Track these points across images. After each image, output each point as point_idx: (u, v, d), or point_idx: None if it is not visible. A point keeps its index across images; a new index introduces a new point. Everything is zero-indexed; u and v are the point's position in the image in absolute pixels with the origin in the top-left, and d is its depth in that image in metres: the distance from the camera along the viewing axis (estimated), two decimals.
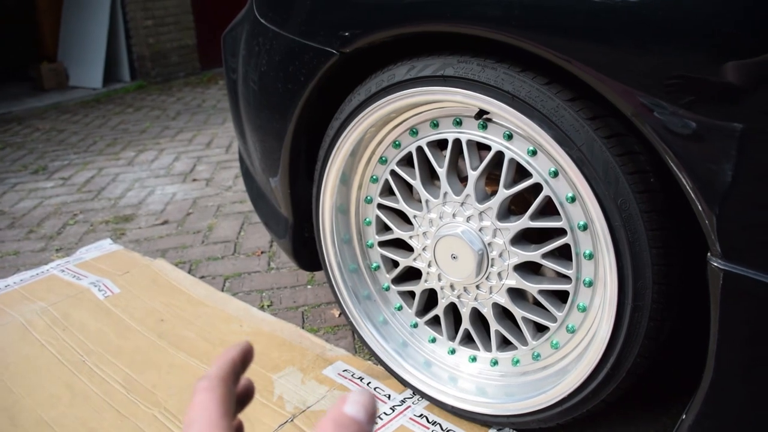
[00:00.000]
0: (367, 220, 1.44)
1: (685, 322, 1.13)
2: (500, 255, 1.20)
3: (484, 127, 1.16)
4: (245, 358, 0.48)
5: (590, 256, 1.10)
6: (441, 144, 1.26)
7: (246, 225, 2.57)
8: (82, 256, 2.28)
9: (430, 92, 1.15)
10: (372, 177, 1.39)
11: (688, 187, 0.85)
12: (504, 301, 1.24)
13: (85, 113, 4.97)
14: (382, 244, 1.44)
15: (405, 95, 1.18)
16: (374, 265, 1.48)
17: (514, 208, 1.25)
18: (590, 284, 1.12)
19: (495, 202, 1.17)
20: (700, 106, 0.80)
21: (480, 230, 1.21)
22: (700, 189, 0.83)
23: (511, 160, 1.13)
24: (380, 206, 1.39)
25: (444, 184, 1.23)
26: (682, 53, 0.80)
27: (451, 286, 1.32)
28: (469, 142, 1.19)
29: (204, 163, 3.45)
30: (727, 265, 0.84)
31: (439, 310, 1.38)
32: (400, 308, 1.48)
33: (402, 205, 1.33)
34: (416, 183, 1.28)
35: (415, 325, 1.46)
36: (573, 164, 1.00)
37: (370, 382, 1.50)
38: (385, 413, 1.40)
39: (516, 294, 1.24)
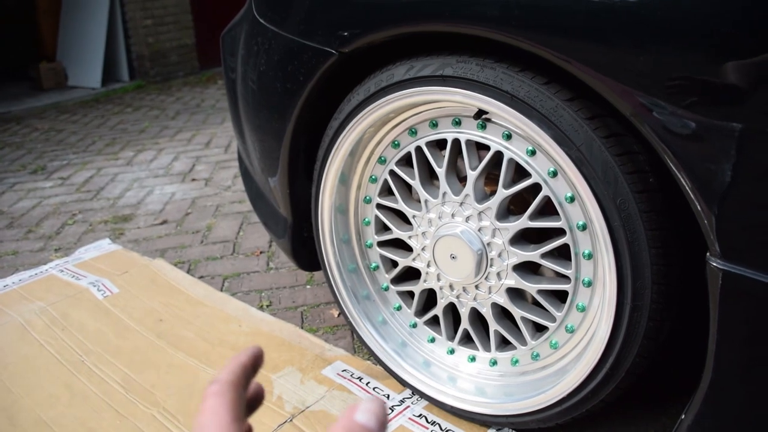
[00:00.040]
0: (366, 220, 1.44)
1: (685, 322, 1.13)
2: (499, 255, 1.20)
3: (483, 127, 1.16)
4: (255, 362, 0.48)
5: (589, 256, 1.10)
6: (440, 144, 1.26)
7: (245, 225, 2.57)
8: (81, 256, 2.27)
9: (429, 92, 1.14)
10: (371, 177, 1.39)
11: (687, 187, 0.85)
12: (503, 301, 1.24)
13: (84, 113, 4.97)
14: (381, 244, 1.44)
15: (404, 95, 1.18)
16: (373, 265, 1.48)
17: (513, 208, 1.25)
18: (589, 284, 1.12)
19: (494, 202, 1.17)
20: (699, 106, 0.80)
21: (479, 230, 1.21)
22: (699, 189, 0.83)
23: (510, 160, 1.13)
24: (379, 206, 1.39)
25: (443, 184, 1.23)
26: (681, 53, 0.80)
27: (450, 286, 1.32)
28: (468, 142, 1.19)
29: (203, 163, 3.45)
30: (726, 265, 0.84)
31: (438, 310, 1.38)
32: (399, 308, 1.48)
33: (401, 205, 1.33)
34: (415, 183, 1.28)
35: (414, 325, 1.46)
36: (572, 164, 1.00)
37: (369, 382, 1.50)
38: None
39: (515, 294, 1.24)
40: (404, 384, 1.44)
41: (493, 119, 1.14)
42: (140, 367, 1.61)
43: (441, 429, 1.35)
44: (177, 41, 6.14)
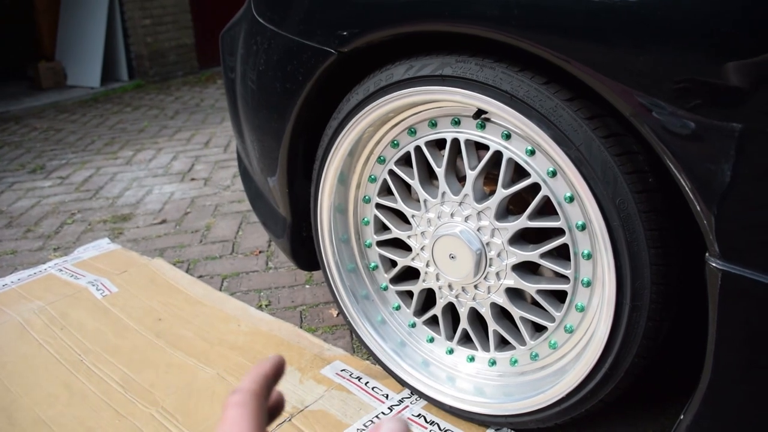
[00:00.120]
0: (366, 219, 1.44)
1: (684, 322, 1.13)
2: (498, 255, 1.20)
3: (482, 126, 1.16)
4: (277, 371, 0.48)
5: (588, 256, 1.10)
6: (439, 143, 1.25)
7: (244, 224, 2.57)
8: (80, 255, 2.27)
9: (429, 92, 1.14)
10: (370, 176, 1.39)
11: (686, 187, 0.85)
12: (502, 300, 1.24)
13: (83, 112, 4.96)
14: (380, 243, 1.43)
15: (403, 95, 1.18)
16: (372, 264, 1.48)
17: (512, 207, 1.25)
18: (588, 284, 1.12)
19: (493, 201, 1.17)
20: (699, 106, 0.80)
21: (478, 230, 1.21)
22: (698, 189, 0.83)
23: (510, 159, 1.13)
24: (378, 206, 1.39)
25: (442, 183, 1.23)
26: (681, 53, 0.80)
27: (450, 286, 1.32)
28: (468, 141, 1.19)
29: (202, 163, 3.44)
30: (726, 265, 0.84)
31: (437, 310, 1.38)
32: (398, 308, 1.48)
33: (400, 205, 1.33)
34: (414, 183, 1.28)
35: (414, 325, 1.46)
36: (571, 164, 1.00)
37: (368, 382, 1.50)
38: (383, 413, 1.40)
39: (514, 294, 1.24)
40: (403, 384, 1.44)
41: (492, 119, 1.14)
42: (139, 367, 1.61)
43: (440, 429, 1.35)
44: (176, 41, 6.14)
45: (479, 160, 1.18)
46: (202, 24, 6.29)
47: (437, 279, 1.33)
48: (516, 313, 1.23)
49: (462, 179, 1.25)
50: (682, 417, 0.99)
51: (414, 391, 1.42)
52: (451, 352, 1.40)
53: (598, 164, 0.97)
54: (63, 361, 1.65)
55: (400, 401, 1.43)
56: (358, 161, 1.37)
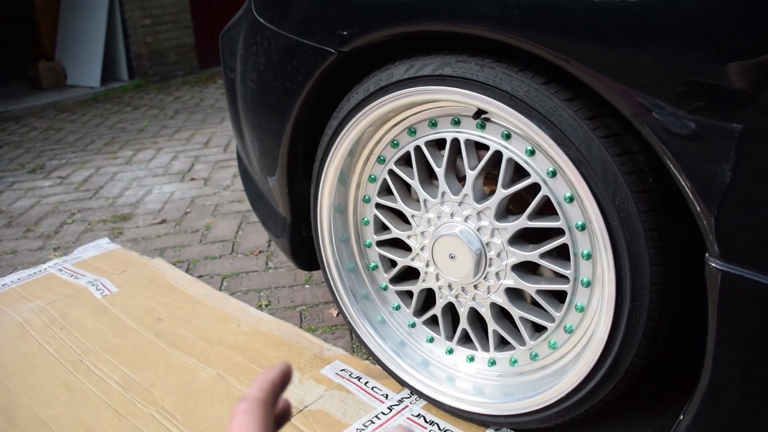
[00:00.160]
0: (365, 219, 1.44)
1: (683, 322, 1.13)
2: (498, 255, 1.20)
3: (482, 126, 1.16)
4: (284, 379, 0.48)
5: (588, 256, 1.10)
6: (439, 143, 1.25)
7: (244, 224, 2.57)
8: (80, 255, 2.27)
9: (429, 91, 1.14)
10: (370, 176, 1.39)
11: (686, 188, 0.85)
12: (502, 301, 1.24)
13: (82, 112, 4.96)
14: (380, 243, 1.43)
15: (403, 94, 1.18)
16: (372, 264, 1.48)
17: (512, 207, 1.25)
18: (588, 284, 1.12)
19: (493, 201, 1.17)
20: (699, 107, 0.80)
21: (478, 230, 1.21)
22: (698, 189, 0.83)
23: (510, 159, 1.13)
24: (378, 206, 1.39)
25: (442, 183, 1.23)
26: (681, 53, 0.80)
27: (449, 286, 1.32)
28: (468, 141, 1.19)
29: (202, 162, 3.44)
30: (725, 265, 0.84)
31: (437, 310, 1.38)
32: (398, 308, 1.48)
33: (400, 205, 1.33)
34: (414, 182, 1.28)
35: (413, 325, 1.46)
36: (571, 164, 1.00)
37: (367, 382, 1.50)
38: (382, 413, 1.40)
39: (514, 294, 1.24)
40: (403, 384, 1.44)
41: (492, 119, 1.14)
42: (139, 367, 1.61)
43: (439, 429, 1.35)
44: (176, 40, 6.14)
45: (479, 160, 1.18)
46: (202, 24, 6.29)
47: (437, 279, 1.33)
48: (516, 313, 1.23)
49: (462, 179, 1.25)
50: (681, 417, 0.99)
51: (414, 391, 1.42)
52: (450, 352, 1.40)
53: (598, 164, 0.97)
54: (63, 360, 1.65)
55: (400, 401, 1.43)
56: (358, 161, 1.37)
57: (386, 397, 1.45)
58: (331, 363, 1.58)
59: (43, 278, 2.09)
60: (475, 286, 1.27)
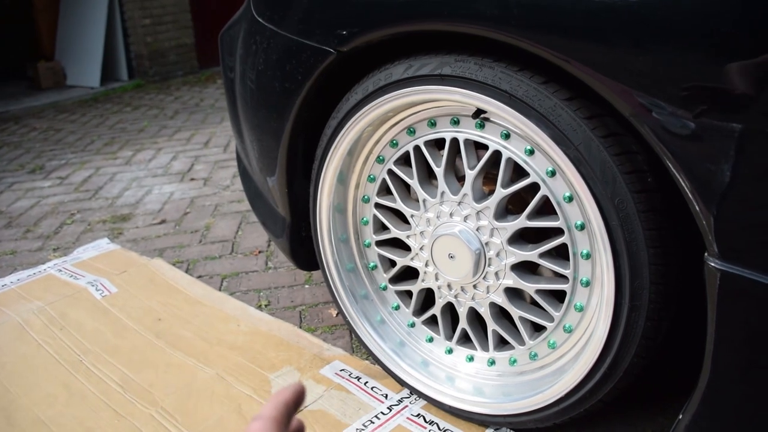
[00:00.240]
0: (365, 219, 1.44)
1: (683, 322, 1.13)
2: (497, 254, 1.20)
3: (481, 126, 1.16)
4: (298, 399, 0.48)
5: (587, 256, 1.10)
6: (438, 143, 1.25)
7: (243, 224, 2.57)
8: (80, 255, 2.27)
9: (428, 91, 1.14)
10: (369, 176, 1.39)
11: (685, 187, 0.85)
12: (501, 300, 1.24)
13: (82, 112, 4.96)
14: (379, 243, 1.43)
15: (402, 94, 1.18)
16: (371, 264, 1.48)
17: (511, 207, 1.25)
18: (587, 284, 1.12)
19: (492, 201, 1.17)
20: (698, 106, 0.80)
21: (477, 230, 1.21)
22: (697, 189, 0.83)
23: (509, 159, 1.13)
24: (377, 205, 1.39)
25: (441, 183, 1.23)
26: (681, 53, 0.80)
27: (449, 286, 1.32)
28: (467, 141, 1.19)
29: (202, 163, 3.44)
30: (724, 265, 0.84)
31: (436, 310, 1.38)
32: (397, 308, 1.48)
33: (399, 205, 1.33)
34: (413, 182, 1.28)
35: (413, 325, 1.46)
36: (570, 164, 1.00)
37: (367, 382, 1.50)
38: (382, 413, 1.40)
39: (513, 294, 1.24)
40: (402, 383, 1.44)
41: (491, 118, 1.14)
42: (138, 367, 1.61)
43: (439, 428, 1.35)
44: (176, 40, 6.14)
45: (478, 160, 1.18)
46: (202, 24, 6.29)
47: (436, 279, 1.33)
48: (515, 312, 1.23)
49: (461, 179, 1.25)
50: (680, 416, 0.99)
51: (413, 390, 1.42)
52: (450, 351, 1.40)
53: (597, 164, 0.97)
54: (62, 361, 1.65)
55: (400, 401, 1.43)
56: (357, 161, 1.37)
57: (386, 397, 1.45)
58: (330, 363, 1.58)
59: (42, 279, 2.09)
60: (475, 286, 1.27)
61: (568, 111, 0.98)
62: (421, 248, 1.33)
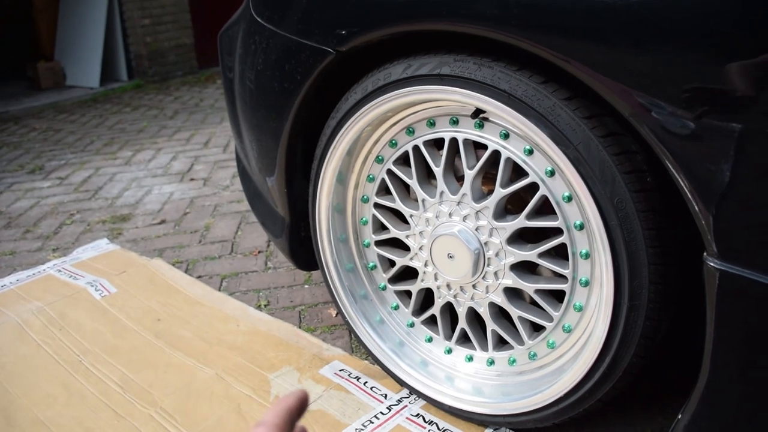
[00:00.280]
0: (364, 219, 1.44)
1: (682, 321, 1.13)
2: (497, 254, 1.20)
3: (480, 126, 1.16)
4: (301, 406, 0.48)
5: (587, 256, 1.10)
6: (438, 143, 1.25)
7: (243, 224, 2.57)
8: (79, 255, 2.27)
9: (427, 91, 1.14)
10: (368, 176, 1.39)
11: (684, 187, 0.85)
12: (500, 300, 1.24)
13: (82, 113, 4.96)
14: (378, 243, 1.43)
15: (401, 94, 1.18)
16: (371, 264, 1.48)
17: (510, 207, 1.25)
18: (587, 284, 1.12)
19: (491, 201, 1.17)
20: (698, 106, 0.80)
21: (476, 229, 1.21)
22: (696, 189, 0.83)
23: (508, 159, 1.13)
24: (377, 205, 1.39)
25: (440, 183, 1.23)
26: (681, 53, 0.80)
27: (448, 286, 1.32)
28: (466, 141, 1.19)
29: (201, 163, 3.44)
30: (723, 264, 0.84)
31: (435, 310, 1.38)
32: (396, 308, 1.48)
33: (398, 205, 1.33)
34: (413, 182, 1.28)
35: (412, 325, 1.46)
36: (569, 163, 1.00)
37: (366, 382, 1.50)
38: (381, 413, 1.40)
39: (512, 293, 1.24)
40: (402, 383, 1.44)
41: (490, 118, 1.14)
42: (138, 367, 1.61)
43: (438, 428, 1.35)
44: (175, 41, 6.14)
45: (477, 160, 1.18)
46: (201, 24, 6.29)
47: (436, 279, 1.33)
48: (514, 312, 1.23)
49: (460, 179, 1.25)
50: (680, 416, 0.99)
51: (413, 390, 1.42)
52: (449, 351, 1.40)
53: (596, 163, 0.97)
54: (62, 361, 1.64)
55: (399, 401, 1.43)
56: (356, 161, 1.37)
57: (385, 396, 1.45)
58: (330, 363, 1.57)
59: (42, 279, 2.09)
60: (474, 286, 1.27)
61: (567, 110, 0.98)
62: (420, 248, 1.33)
